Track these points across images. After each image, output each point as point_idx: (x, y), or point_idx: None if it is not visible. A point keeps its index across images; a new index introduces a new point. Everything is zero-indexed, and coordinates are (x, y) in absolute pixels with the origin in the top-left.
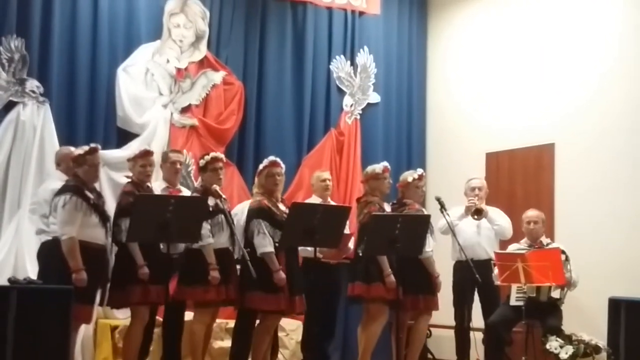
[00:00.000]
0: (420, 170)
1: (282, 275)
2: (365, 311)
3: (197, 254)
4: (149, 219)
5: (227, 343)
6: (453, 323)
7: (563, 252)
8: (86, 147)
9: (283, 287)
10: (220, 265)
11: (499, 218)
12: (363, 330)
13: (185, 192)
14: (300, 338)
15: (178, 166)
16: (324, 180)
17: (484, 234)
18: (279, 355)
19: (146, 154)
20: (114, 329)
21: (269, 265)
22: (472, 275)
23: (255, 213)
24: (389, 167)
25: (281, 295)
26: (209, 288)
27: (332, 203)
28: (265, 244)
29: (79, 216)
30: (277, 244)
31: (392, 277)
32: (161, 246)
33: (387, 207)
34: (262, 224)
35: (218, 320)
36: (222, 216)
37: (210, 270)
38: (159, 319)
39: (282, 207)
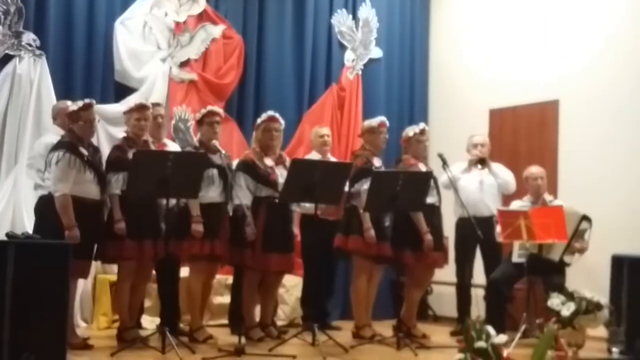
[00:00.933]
0: (422, 125)
1: (250, 230)
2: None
3: (184, 208)
4: (148, 175)
5: (226, 299)
6: (454, 280)
7: (588, 219)
8: (80, 103)
9: (252, 243)
10: (208, 220)
11: (502, 172)
12: (352, 286)
13: (173, 146)
14: (300, 294)
15: (159, 120)
16: (322, 136)
17: (487, 191)
18: (279, 311)
19: (142, 107)
20: (112, 284)
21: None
22: (474, 232)
23: (238, 166)
24: (386, 122)
25: (247, 251)
26: (194, 242)
27: (332, 159)
28: (240, 196)
29: (73, 173)
30: (276, 200)
31: (372, 232)
32: (163, 201)
33: (377, 162)
34: (242, 177)
35: (218, 277)
36: (214, 171)
37: (193, 224)
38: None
39: (268, 162)
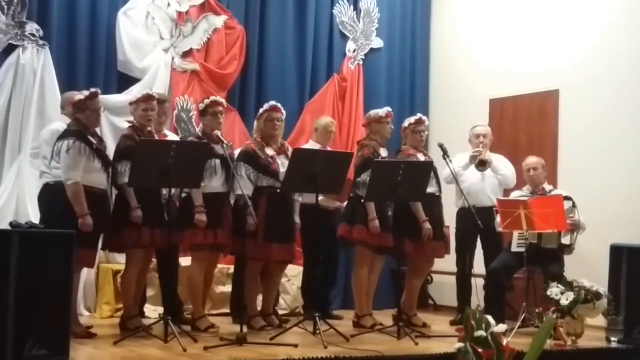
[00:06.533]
0: (418, 115)
1: (251, 220)
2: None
3: (188, 198)
4: (150, 165)
5: (228, 288)
6: (454, 269)
7: (570, 199)
8: (86, 92)
9: (254, 232)
10: (211, 210)
11: (503, 167)
12: (353, 275)
13: (172, 137)
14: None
15: (163, 118)
16: (331, 132)
17: (488, 181)
18: (280, 300)
19: (148, 98)
20: (115, 273)
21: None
22: (474, 221)
23: (239, 156)
24: (392, 112)
25: (248, 240)
26: (197, 231)
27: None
28: (241, 186)
29: (83, 161)
30: (276, 189)
31: (376, 222)
32: (163, 191)
33: (383, 152)
34: (243, 167)
35: (219, 266)
36: (217, 161)
37: (196, 214)
38: (153, 260)
39: (269, 151)
